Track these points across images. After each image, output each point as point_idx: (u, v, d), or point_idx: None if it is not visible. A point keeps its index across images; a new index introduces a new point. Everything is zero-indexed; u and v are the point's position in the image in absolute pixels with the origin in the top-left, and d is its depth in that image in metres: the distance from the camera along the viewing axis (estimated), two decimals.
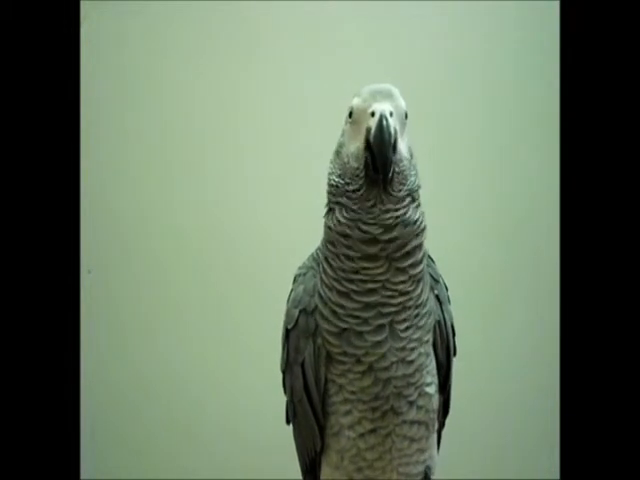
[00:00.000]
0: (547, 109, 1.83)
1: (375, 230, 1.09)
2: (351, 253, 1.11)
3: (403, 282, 1.13)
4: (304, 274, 1.22)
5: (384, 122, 1.05)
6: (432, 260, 1.25)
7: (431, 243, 1.24)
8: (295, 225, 1.87)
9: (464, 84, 2.06)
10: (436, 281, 1.24)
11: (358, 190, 1.09)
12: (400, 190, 1.09)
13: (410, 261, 1.12)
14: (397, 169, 1.08)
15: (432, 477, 1.26)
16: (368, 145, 1.07)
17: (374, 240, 1.10)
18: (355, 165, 1.10)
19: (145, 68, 2.00)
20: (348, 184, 1.10)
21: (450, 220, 1.99)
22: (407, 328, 1.15)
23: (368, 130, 1.07)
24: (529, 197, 2.09)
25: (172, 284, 2.00)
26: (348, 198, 1.10)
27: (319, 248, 1.21)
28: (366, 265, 1.11)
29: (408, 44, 2.04)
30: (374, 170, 1.07)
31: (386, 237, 1.10)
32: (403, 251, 1.11)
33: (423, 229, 1.14)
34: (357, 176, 1.09)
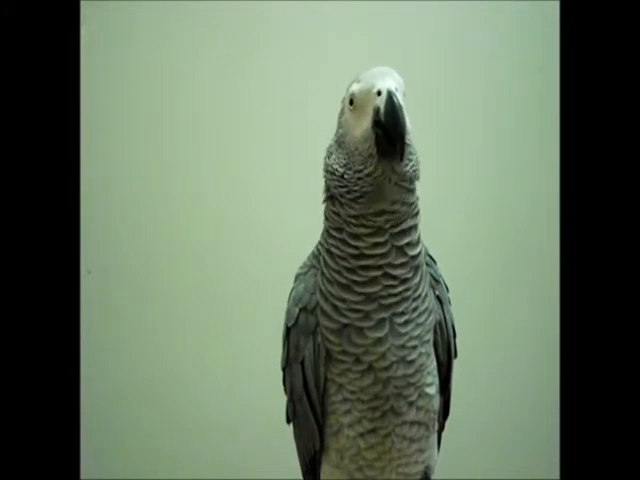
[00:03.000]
0: (548, 109, 1.83)
1: (384, 205, 1.10)
2: (361, 230, 1.11)
3: (403, 265, 1.13)
4: (305, 273, 1.22)
5: (394, 98, 1.05)
6: (434, 261, 1.25)
7: (432, 244, 1.24)
8: (295, 224, 1.87)
9: (464, 85, 2.06)
10: (437, 281, 1.24)
11: (371, 173, 1.09)
12: (407, 165, 1.10)
13: (407, 239, 1.13)
14: (406, 141, 1.08)
15: (432, 477, 1.27)
16: (378, 123, 1.06)
17: (382, 212, 1.11)
18: (366, 146, 1.09)
19: (145, 68, 2.00)
20: (359, 170, 1.10)
21: (451, 221, 1.99)
22: (406, 322, 1.15)
23: (376, 109, 1.06)
24: (529, 198, 2.09)
25: (172, 284, 2.00)
26: (359, 183, 1.10)
27: (319, 243, 1.21)
28: (373, 241, 1.11)
29: (408, 42, 2.05)
30: (388, 146, 1.07)
31: (393, 208, 1.10)
32: (400, 228, 1.12)
33: (417, 212, 1.15)
34: (369, 156, 1.09)
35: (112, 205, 1.99)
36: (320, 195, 1.19)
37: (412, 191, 1.12)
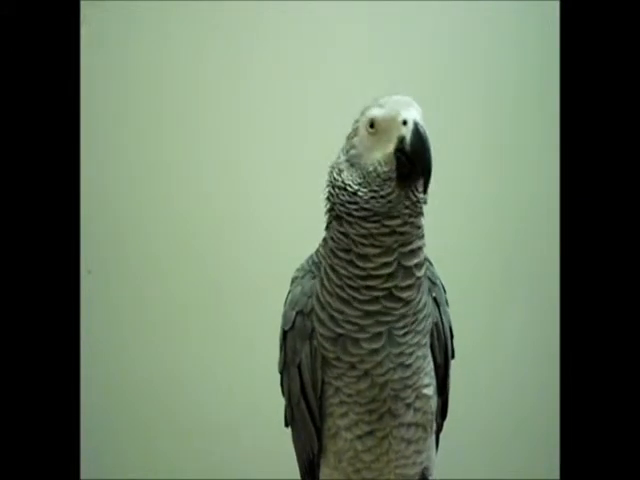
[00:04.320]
0: (547, 109, 1.83)
1: (395, 222, 1.10)
2: (370, 250, 1.11)
3: (409, 288, 1.13)
4: (302, 276, 1.22)
5: (421, 129, 1.07)
6: (430, 262, 1.25)
7: (431, 245, 1.24)
8: (295, 226, 1.87)
9: (464, 85, 2.06)
10: (434, 283, 1.24)
11: (390, 193, 1.10)
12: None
13: (415, 261, 1.13)
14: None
15: (430, 478, 1.27)
16: (402, 152, 1.08)
17: (392, 232, 1.11)
18: (385, 169, 1.10)
19: (145, 68, 2.00)
20: (375, 191, 1.10)
21: (449, 222, 1.99)
22: (405, 334, 1.15)
23: (401, 138, 1.08)
24: (528, 199, 2.09)
25: (172, 284, 2.00)
26: (372, 202, 1.10)
27: (318, 251, 1.21)
28: (382, 261, 1.11)
29: (408, 42, 2.04)
30: (410, 176, 1.09)
31: (402, 229, 1.11)
32: (409, 248, 1.12)
33: (423, 235, 1.15)
34: (389, 179, 1.10)
35: (112, 205, 1.98)
36: (321, 196, 1.19)
37: (421, 214, 1.13)
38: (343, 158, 1.16)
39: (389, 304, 1.12)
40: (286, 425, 1.31)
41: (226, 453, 1.97)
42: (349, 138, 1.16)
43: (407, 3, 2.03)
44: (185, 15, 1.98)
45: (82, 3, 1.42)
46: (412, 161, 1.08)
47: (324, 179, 1.18)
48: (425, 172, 1.08)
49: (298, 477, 1.35)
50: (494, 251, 2.08)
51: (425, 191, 1.10)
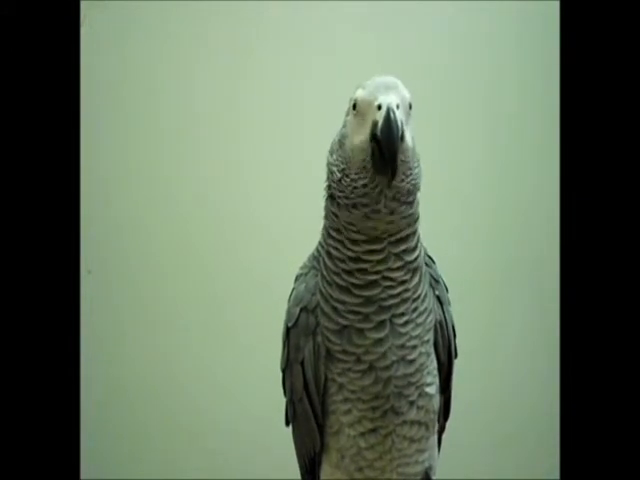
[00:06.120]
0: (547, 109, 1.83)
1: (379, 217, 1.09)
2: (358, 236, 1.11)
3: (399, 269, 1.13)
4: (305, 273, 1.22)
5: (392, 115, 1.04)
6: (433, 261, 1.25)
7: (432, 244, 1.24)
8: (295, 224, 1.87)
9: (465, 83, 2.06)
10: (437, 281, 1.24)
11: (366, 185, 1.09)
12: (403, 180, 1.09)
13: (404, 247, 1.13)
14: (402, 158, 1.07)
15: (433, 477, 1.27)
16: (374, 137, 1.06)
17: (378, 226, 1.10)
18: (361, 157, 1.09)
19: (145, 68, 2.00)
20: (355, 180, 1.09)
21: (450, 221, 1.99)
22: (406, 323, 1.15)
23: (375, 123, 1.06)
24: (529, 198, 2.09)
25: (172, 284, 2.00)
26: (355, 192, 1.10)
27: (319, 244, 1.21)
28: (370, 248, 1.11)
29: (408, 41, 2.04)
30: (381, 162, 1.06)
31: (388, 227, 1.10)
32: (398, 236, 1.12)
33: (417, 219, 1.14)
34: (364, 168, 1.08)
35: (112, 205, 1.98)
36: (321, 196, 1.19)
37: (411, 203, 1.12)
38: (338, 136, 1.15)
39: (385, 283, 1.13)
40: (287, 424, 1.31)
41: (226, 452, 1.97)
42: (345, 115, 1.16)
43: (407, 3, 2.03)
44: (185, 15, 1.98)
45: (82, 3, 1.42)
46: (381, 148, 1.05)
47: (324, 178, 1.18)
48: (390, 159, 1.05)
49: (298, 476, 1.35)
50: (494, 251, 2.08)
51: (393, 179, 1.06)
